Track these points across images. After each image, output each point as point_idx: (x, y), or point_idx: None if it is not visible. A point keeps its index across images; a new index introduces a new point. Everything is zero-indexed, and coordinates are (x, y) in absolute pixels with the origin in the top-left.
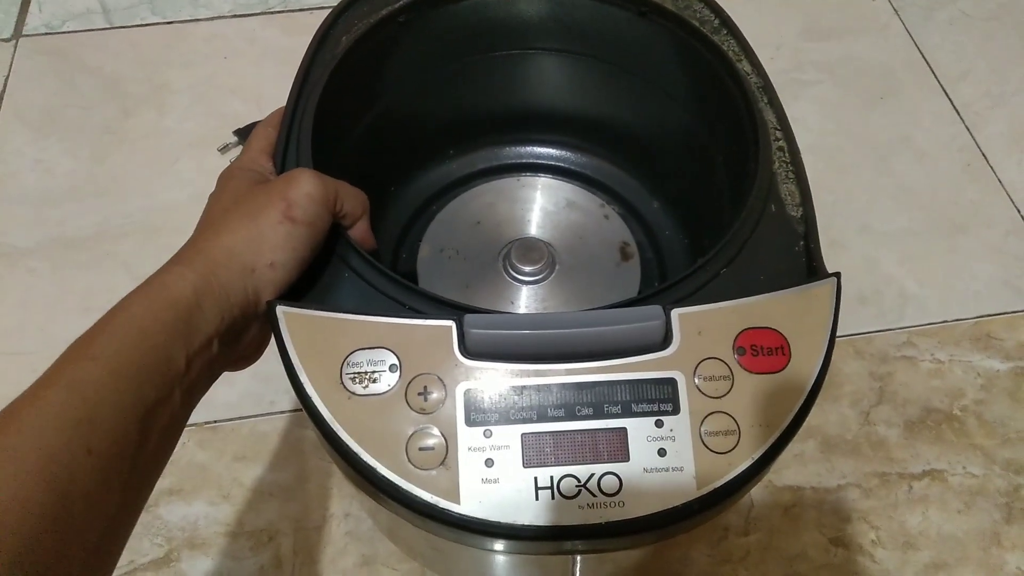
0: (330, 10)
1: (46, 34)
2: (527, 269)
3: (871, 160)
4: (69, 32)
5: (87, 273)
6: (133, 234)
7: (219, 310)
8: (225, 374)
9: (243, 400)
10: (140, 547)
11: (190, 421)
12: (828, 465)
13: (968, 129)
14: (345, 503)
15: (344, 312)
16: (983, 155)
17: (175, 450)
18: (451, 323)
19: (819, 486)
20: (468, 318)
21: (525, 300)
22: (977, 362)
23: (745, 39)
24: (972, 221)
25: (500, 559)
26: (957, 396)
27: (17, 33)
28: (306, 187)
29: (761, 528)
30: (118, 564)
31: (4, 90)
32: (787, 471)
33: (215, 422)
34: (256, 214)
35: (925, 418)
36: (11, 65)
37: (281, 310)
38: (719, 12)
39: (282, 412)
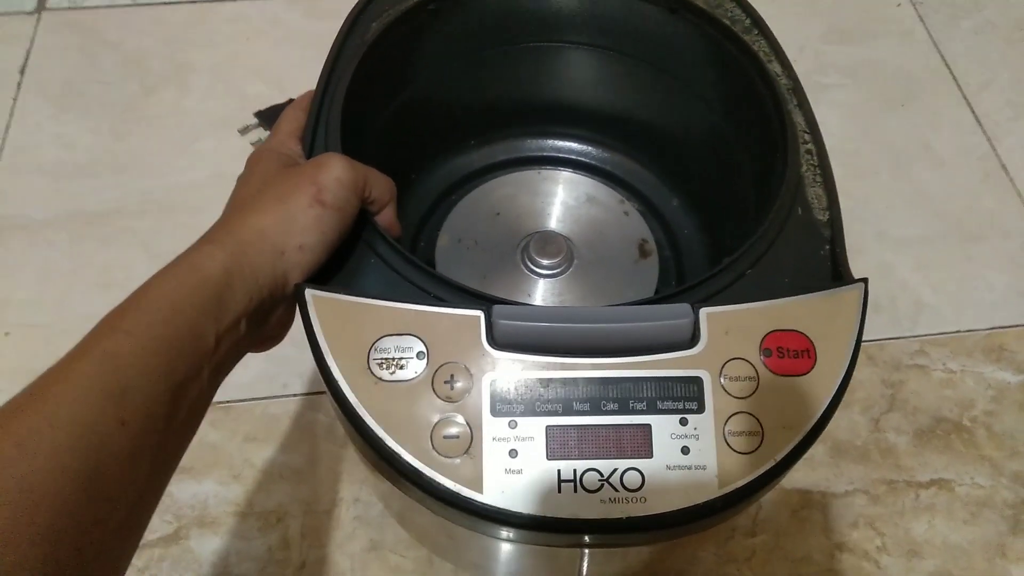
0: None
1: (69, 8)
2: (545, 262)
3: (890, 166)
4: (92, 7)
5: (105, 248)
6: (151, 211)
7: (248, 290)
8: None
9: (256, 381)
10: (150, 523)
11: None
12: (837, 470)
13: (988, 139)
14: (355, 488)
15: (370, 295)
16: (1003, 166)
17: None
18: (479, 313)
19: (827, 490)
20: (497, 309)
21: (542, 293)
22: (989, 373)
23: (776, 40)
24: (989, 231)
25: (511, 549)
26: (967, 407)
27: (41, 6)
28: (336, 172)
29: (768, 530)
30: None
31: (26, 63)
32: (796, 474)
33: (228, 402)
34: (286, 196)
35: (935, 427)
36: (33, 39)
37: (310, 293)
38: (750, 11)
39: (295, 395)
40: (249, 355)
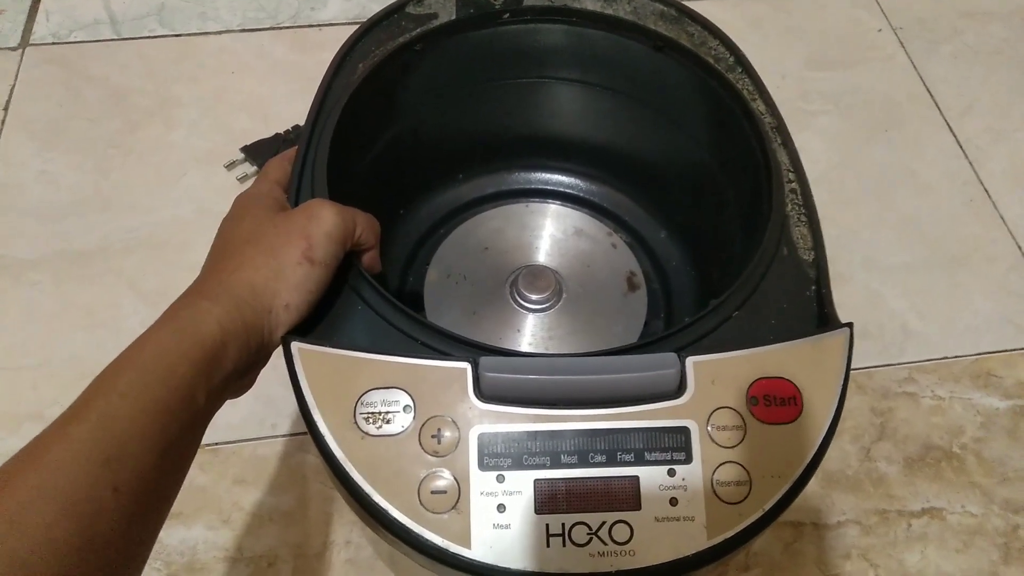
0: (339, 26)
1: (53, 43)
2: (534, 297)
3: (875, 193)
4: (76, 42)
5: (90, 288)
6: (137, 249)
7: (239, 349)
8: None
9: (245, 422)
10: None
11: None
12: (828, 501)
13: (971, 164)
14: (345, 530)
15: (356, 346)
16: (985, 191)
17: None
18: (466, 365)
19: (819, 522)
20: (484, 361)
21: (531, 328)
22: (977, 400)
23: (759, 78)
24: (974, 256)
25: None
26: (957, 433)
27: (24, 42)
28: (327, 225)
29: (761, 563)
30: None
31: (10, 100)
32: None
33: (216, 444)
34: (277, 251)
35: (925, 455)
36: (17, 74)
37: (296, 346)
38: (734, 50)
39: (284, 435)
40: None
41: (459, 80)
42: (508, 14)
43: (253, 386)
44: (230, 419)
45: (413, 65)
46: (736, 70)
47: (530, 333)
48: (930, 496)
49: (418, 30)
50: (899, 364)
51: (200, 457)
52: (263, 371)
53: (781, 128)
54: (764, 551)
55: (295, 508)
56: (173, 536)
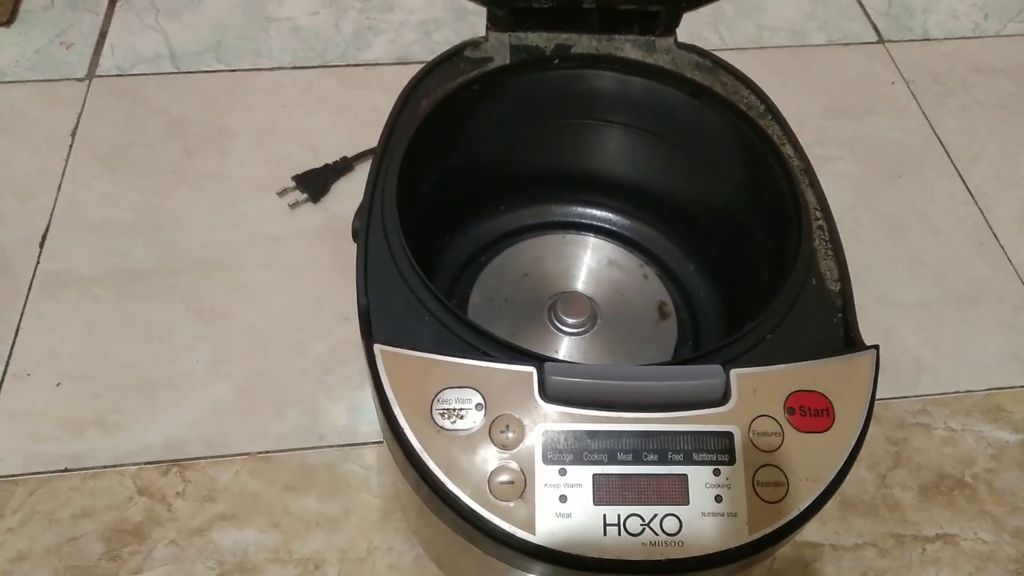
0: (383, 66)
1: (117, 75)
2: (571, 321)
3: (889, 234)
4: (139, 75)
5: (148, 304)
6: (192, 269)
7: None
8: (276, 406)
9: (293, 433)
10: (193, 570)
11: (243, 450)
12: (846, 524)
13: (980, 209)
14: (389, 537)
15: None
16: (994, 234)
17: (228, 477)
18: (532, 369)
19: (837, 544)
20: (548, 366)
21: (568, 350)
22: (988, 432)
23: (787, 124)
24: (983, 296)
25: None
26: (969, 464)
27: (91, 74)
28: None
29: None
30: None
31: (77, 126)
32: (808, 528)
33: (267, 452)
34: None
35: (938, 483)
36: (84, 103)
37: (379, 348)
38: (764, 99)
39: (330, 446)
40: (286, 406)
41: (511, 119)
42: (558, 60)
43: (301, 399)
44: (279, 430)
45: (470, 103)
46: (766, 117)
47: (567, 355)
48: (943, 523)
49: (475, 72)
50: (913, 396)
51: (252, 463)
52: (308, 386)
53: (808, 170)
54: (785, 570)
55: (340, 515)
56: (226, 537)
